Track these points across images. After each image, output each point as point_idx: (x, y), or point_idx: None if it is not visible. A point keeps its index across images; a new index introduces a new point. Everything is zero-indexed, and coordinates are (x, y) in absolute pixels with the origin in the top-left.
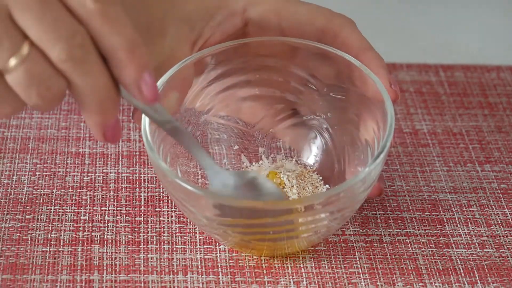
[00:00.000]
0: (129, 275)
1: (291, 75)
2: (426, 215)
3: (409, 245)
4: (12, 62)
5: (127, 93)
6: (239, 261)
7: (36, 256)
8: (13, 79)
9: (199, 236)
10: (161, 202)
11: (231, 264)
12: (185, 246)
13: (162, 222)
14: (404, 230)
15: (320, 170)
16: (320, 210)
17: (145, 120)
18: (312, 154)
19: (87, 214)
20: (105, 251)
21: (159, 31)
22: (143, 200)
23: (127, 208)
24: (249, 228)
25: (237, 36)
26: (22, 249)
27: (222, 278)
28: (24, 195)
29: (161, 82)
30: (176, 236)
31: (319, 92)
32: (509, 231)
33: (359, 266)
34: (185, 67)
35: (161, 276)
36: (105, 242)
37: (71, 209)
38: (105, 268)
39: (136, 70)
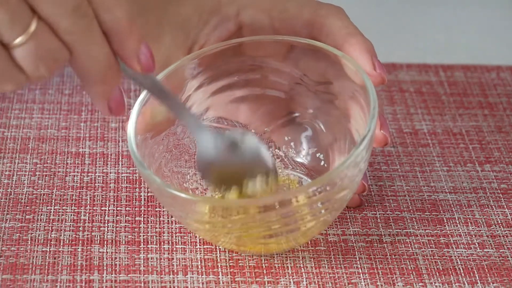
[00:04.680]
0: (129, 275)
1: (283, 74)
2: (426, 215)
3: (409, 245)
4: (22, 37)
5: (123, 65)
6: (239, 261)
7: (36, 256)
8: (22, 53)
9: (199, 236)
10: None
11: (231, 264)
12: (185, 246)
13: (162, 222)
14: (404, 230)
15: (313, 165)
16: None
17: (131, 136)
18: (306, 150)
19: (87, 214)
20: (105, 251)
21: (155, 38)
22: (143, 200)
23: (127, 208)
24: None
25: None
26: (22, 249)
27: (222, 278)
28: (24, 195)
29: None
30: (176, 236)
31: (311, 88)
32: (509, 231)
33: (359, 266)
34: (175, 72)
35: (161, 276)
36: (105, 242)
37: (71, 209)
38: (105, 268)
39: (137, 41)
